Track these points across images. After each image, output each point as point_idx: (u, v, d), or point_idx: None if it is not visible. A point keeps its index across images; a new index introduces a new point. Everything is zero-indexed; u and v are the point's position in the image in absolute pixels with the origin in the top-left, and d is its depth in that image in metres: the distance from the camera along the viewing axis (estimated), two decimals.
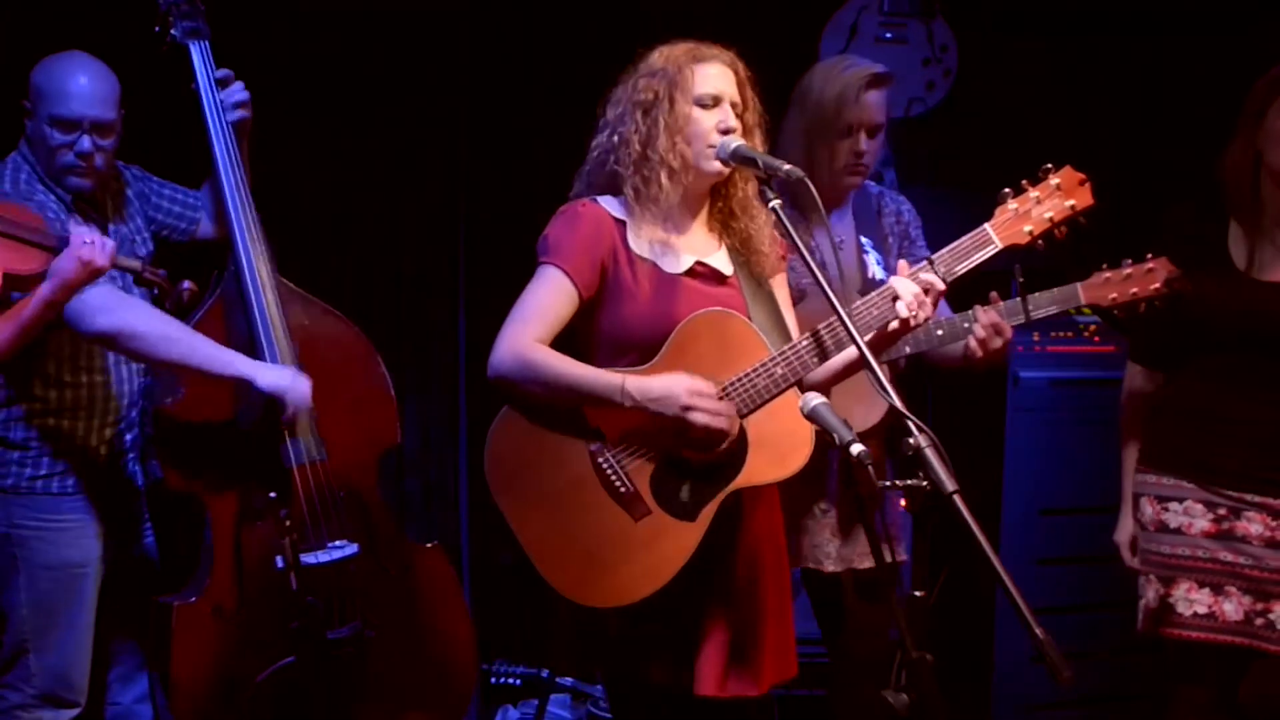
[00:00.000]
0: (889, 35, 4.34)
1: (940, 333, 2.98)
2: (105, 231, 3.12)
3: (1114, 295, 2.85)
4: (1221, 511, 3.07)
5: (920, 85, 4.37)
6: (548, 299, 2.66)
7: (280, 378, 3.03)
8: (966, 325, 2.91)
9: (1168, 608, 3.09)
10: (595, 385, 2.60)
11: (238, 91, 3.24)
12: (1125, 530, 3.25)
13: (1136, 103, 4.58)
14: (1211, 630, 3.06)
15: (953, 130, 4.51)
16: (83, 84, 3.02)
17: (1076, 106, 4.56)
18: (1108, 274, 2.86)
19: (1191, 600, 3.07)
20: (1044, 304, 2.91)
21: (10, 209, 2.81)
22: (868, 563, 3.16)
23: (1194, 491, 3.09)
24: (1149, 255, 2.85)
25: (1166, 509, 3.11)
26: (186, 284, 2.94)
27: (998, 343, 2.85)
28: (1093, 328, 4.33)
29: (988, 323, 2.85)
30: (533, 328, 2.64)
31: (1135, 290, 2.84)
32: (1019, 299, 2.90)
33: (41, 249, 2.78)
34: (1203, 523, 3.08)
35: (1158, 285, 2.83)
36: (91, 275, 2.79)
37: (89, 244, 2.76)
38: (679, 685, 2.67)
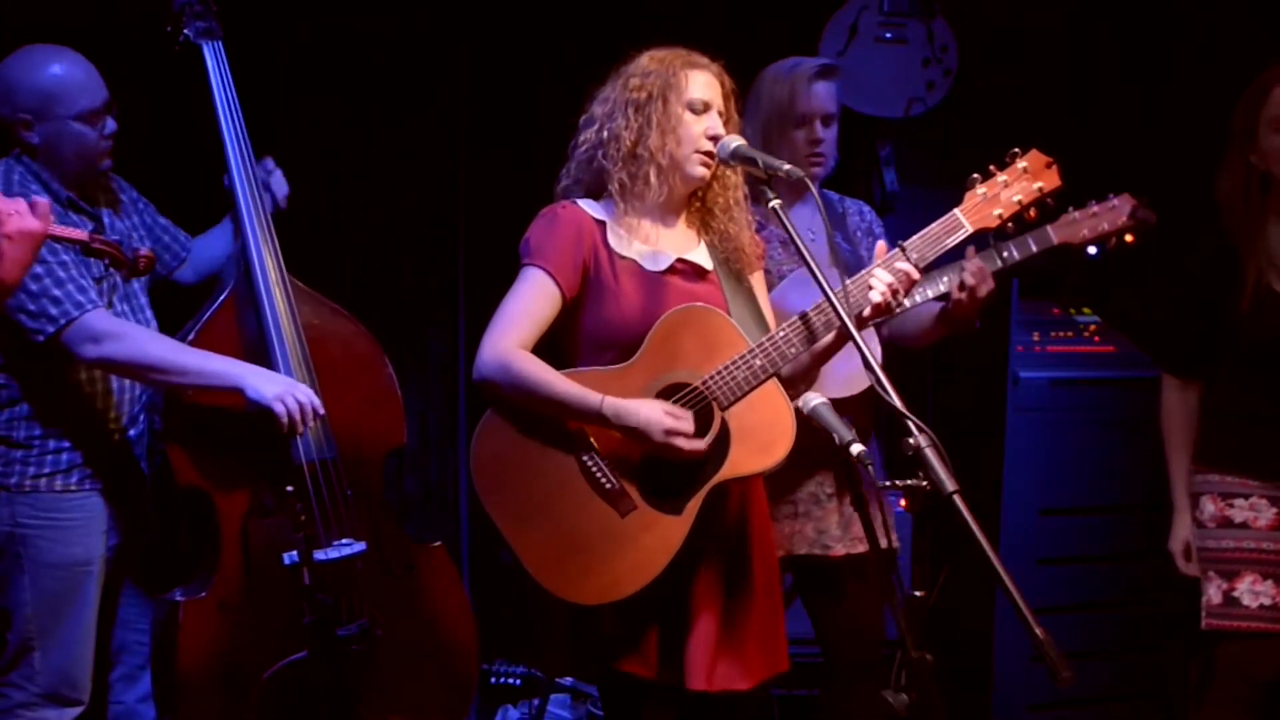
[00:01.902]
0: (889, 35, 4.34)
1: (919, 291, 3.02)
2: (101, 230, 3.11)
3: (1085, 232, 2.90)
4: None
5: (920, 85, 4.37)
6: (531, 302, 2.69)
7: (268, 388, 2.98)
8: (946, 279, 2.94)
9: (1233, 601, 3.10)
10: (574, 402, 2.62)
11: (280, 183, 3.30)
12: (1180, 538, 3.25)
13: (1137, 103, 4.58)
14: (1276, 621, 3.07)
15: (953, 130, 4.51)
16: (89, 73, 3.04)
17: (1077, 107, 4.56)
18: (1075, 214, 2.91)
19: (1258, 592, 3.09)
20: (1017, 248, 2.94)
21: None
22: (863, 547, 3.15)
23: (1259, 488, 3.11)
24: (1110, 194, 2.89)
25: (1231, 505, 3.13)
26: (143, 250, 2.86)
27: (983, 290, 2.88)
28: (1093, 328, 4.33)
29: (974, 269, 2.87)
30: (517, 332, 2.67)
31: (1105, 226, 2.89)
32: (991, 248, 2.93)
33: None
34: (1268, 516, 3.10)
35: (1124, 219, 2.88)
36: (33, 242, 2.63)
37: (16, 214, 2.60)
38: (671, 681, 2.68)
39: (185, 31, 3.21)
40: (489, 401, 2.68)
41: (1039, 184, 2.68)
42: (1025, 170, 2.68)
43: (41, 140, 3.04)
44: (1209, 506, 3.16)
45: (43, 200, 2.64)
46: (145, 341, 3.04)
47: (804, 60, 3.27)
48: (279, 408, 2.97)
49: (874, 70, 4.32)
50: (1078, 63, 4.61)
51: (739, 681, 2.70)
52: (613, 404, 2.60)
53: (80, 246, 2.77)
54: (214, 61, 3.21)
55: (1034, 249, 2.94)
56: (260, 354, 3.10)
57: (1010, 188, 2.68)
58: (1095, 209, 2.90)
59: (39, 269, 2.93)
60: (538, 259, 2.70)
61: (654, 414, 2.59)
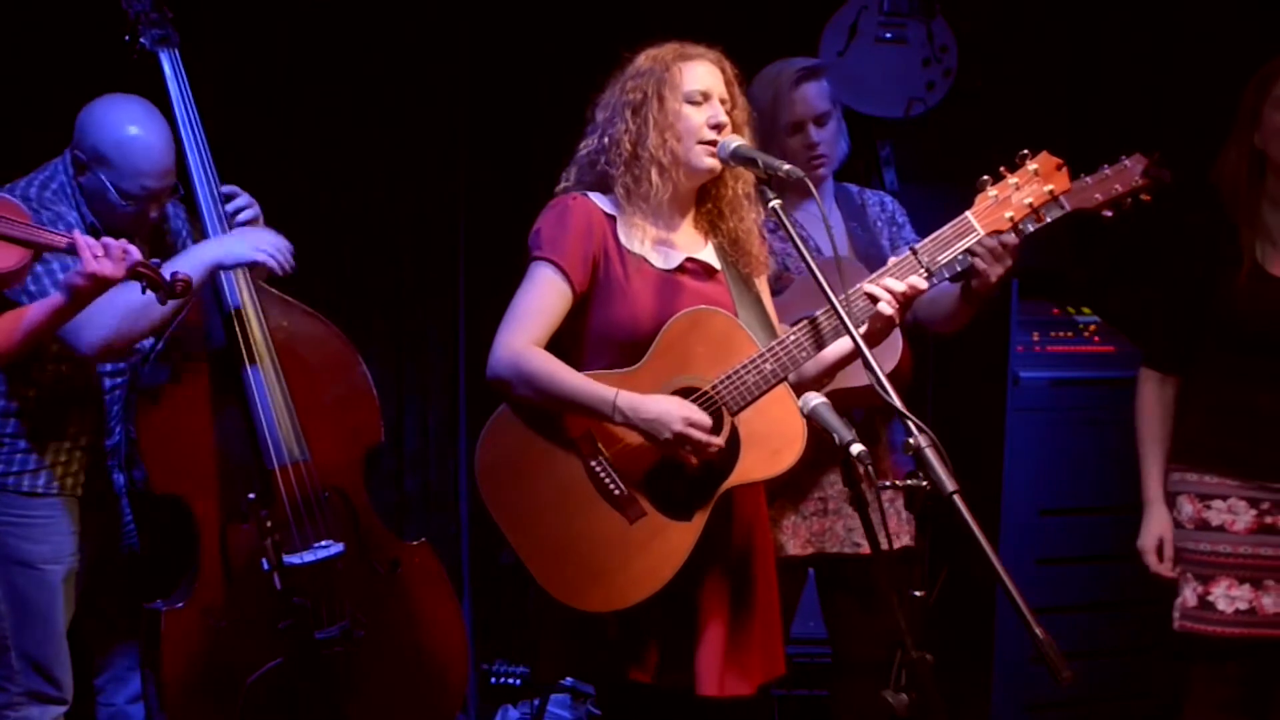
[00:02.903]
0: (889, 35, 4.34)
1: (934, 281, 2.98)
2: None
3: (1099, 196, 2.80)
4: (1265, 506, 3.07)
5: (920, 85, 4.37)
6: (543, 298, 2.66)
7: (237, 247, 3.03)
8: (962, 257, 2.86)
9: (1208, 605, 3.08)
10: (588, 397, 2.59)
11: (245, 207, 3.21)
12: (1151, 536, 3.19)
13: (1138, 102, 4.58)
14: (1252, 625, 3.05)
15: (953, 130, 4.51)
16: (156, 160, 3.01)
17: (1077, 106, 4.56)
18: (1087, 179, 2.81)
19: (1233, 597, 3.06)
20: (1031, 219, 2.85)
21: None
22: (897, 543, 3.14)
23: (1237, 488, 3.09)
24: (1122, 156, 2.83)
25: (1209, 507, 3.11)
26: (180, 274, 2.88)
27: (1007, 261, 2.78)
28: (1092, 327, 4.33)
29: (994, 244, 2.75)
30: (529, 330, 2.64)
31: (1118, 187, 2.79)
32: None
33: (20, 244, 2.68)
34: (1246, 519, 3.08)
35: (1138, 179, 2.79)
36: (105, 286, 2.73)
37: (98, 257, 2.69)
38: (676, 687, 2.66)
39: (141, 40, 3.18)
40: (502, 400, 2.66)
41: (1050, 186, 2.66)
42: (1036, 172, 2.66)
43: (85, 183, 3.04)
44: (1187, 507, 3.14)
45: (132, 251, 2.71)
46: (118, 293, 2.93)
47: (786, 65, 3.24)
48: (262, 257, 3.00)
49: (874, 70, 4.32)
50: (1078, 62, 4.60)
51: (742, 686, 2.69)
52: (627, 398, 2.57)
53: None
54: (171, 69, 3.18)
55: (1047, 219, 2.82)
56: (228, 360, 3.10)
57: (1021, 190, 2.66)
58: (1107, 171, 2.82)
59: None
60: (548, 253, 2.67)
61: (670, 406, 2.57)
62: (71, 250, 2.70)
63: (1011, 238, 2.76)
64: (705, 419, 2.57)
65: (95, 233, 3.04)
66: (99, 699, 3.31)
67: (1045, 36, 4.57)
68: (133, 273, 2.76)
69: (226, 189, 3.20)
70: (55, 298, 2.77)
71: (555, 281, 2.66)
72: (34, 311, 2.80)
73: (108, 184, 3.00)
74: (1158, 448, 3.20)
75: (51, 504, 3.12)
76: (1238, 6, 4.27)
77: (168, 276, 2.79)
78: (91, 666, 3.29)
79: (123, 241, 2.73)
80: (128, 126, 3.01)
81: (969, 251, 2.74)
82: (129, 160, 3.00)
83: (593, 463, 2.63)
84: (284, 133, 4.07)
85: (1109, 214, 2.81)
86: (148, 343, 3.17)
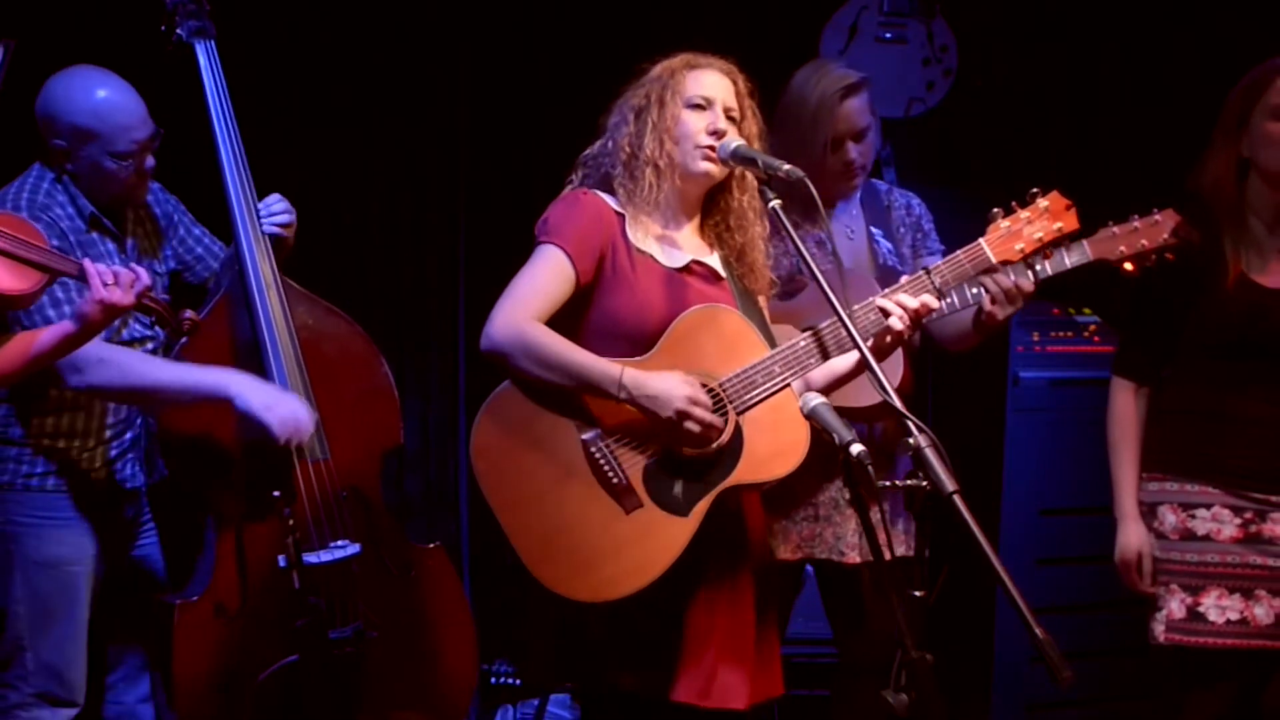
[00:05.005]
0: (889, 35, 4.35)
1: (946, 302, 2.94)
2: (122, 249, 3.11)
3: (1123, 248, 2.81)
4: (1248, 515, 3.02)
5: (920, 85, 4.37)
6: (546, 278, 2.65)
7: (255, 397, 2.95)
8: (975, 291, 2.88)
9: (1198, 616, 3.02)
10: (592, 372, 2.58)
11: (282, 212, 3.21)
12: (1131, 550, 3.11)
13: (1137, 103, 4.59)
14: (1244, 636, 3.00)
15: (953, 130, 4.51)
16: (133, 110, 3.01)
17: (1076, 107, 4.56)
18: (1115, 229, 2.81)
19: (1224, 607, 3.01)
20: (1051, 263, 2.82)
21: (9, 222, 2.72)
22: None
23: (1219, 496, 3.03)
24: (1154, 209, 2.83)
25: (1193, 516, 3.05)
26: (188, 313, 2.87)
27: (1018, 303, 2.81)
28: (1093, 327, 4.33)
29: (1007, 285, 2.78)
30: (530, 306, 2.62)
31: (1144, 242, 2.80)
32: (1023, 261, 2.87)
33: (38, 268, 2.67)
34: (1231, 528, 3.02)
35: (1166, 236, 2.80)
36: (116, 314, 2.74)
37: (110, 285, 2.68)
38: (656, 691, 2.63)
39: (178, 31, 3.18)
40: (500, 373, 2.64)
41: (1059, 224, 2.70)
42: (1046, 209, 2.70)
43: (75, 168, 3.03)
44: (1170, 517, 3.07)
45: (141, 279, 2.70)
46: (129, 363, 2.99)
47: (826, 75, 3.18)
48: (269, 416, 2.95)
49: (874, 70, 4.30)
50: (1078, 61, 4.61)
51: (736, 700, 2.66)
52: (633, 374, 2.56)
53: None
54: (207, 61, 3.18)
55: (1068, 264, 2.83)
56: (254, 355, 3.09)
57: (1032, 224, 2.70)
58: (1136, 224, 2.81)
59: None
60: (556, 238, 2.66)
61: (675, 383, 2.55)
62: (81, 277, 2.69)
63: (1028, 282, 2.78)
64: (707, 399, 2.56)
65: (97, 221, 3.06)
66: (109, 696, 3.31)
67: (1045, 36, 4.57)
68: (141, 304, 2.76)
69: (272, 198, 3.21)
70: (65, 325, 2.76)
71: (561, 263, 2.65)
72: (44, 338, 2.78)
73: (100, 154, 2.99)
74: (1133, 460, 3.13)
75: (73, 501, 3.11)
76: (1237, 7, 4.28)
77: (178, 313, 2.79)
78: (102, 664, 3.28)
79: (132, 269, 2.72)
80: (95, 91, 3.00)
81: (982, 287, 2.78)
82: (113, 120, 2.98)
83: (592, 449, 2.61)
84: (285, 133, 4.07)
85: (1130, 266, 2.82)
86: (162, 336, 3.18)
